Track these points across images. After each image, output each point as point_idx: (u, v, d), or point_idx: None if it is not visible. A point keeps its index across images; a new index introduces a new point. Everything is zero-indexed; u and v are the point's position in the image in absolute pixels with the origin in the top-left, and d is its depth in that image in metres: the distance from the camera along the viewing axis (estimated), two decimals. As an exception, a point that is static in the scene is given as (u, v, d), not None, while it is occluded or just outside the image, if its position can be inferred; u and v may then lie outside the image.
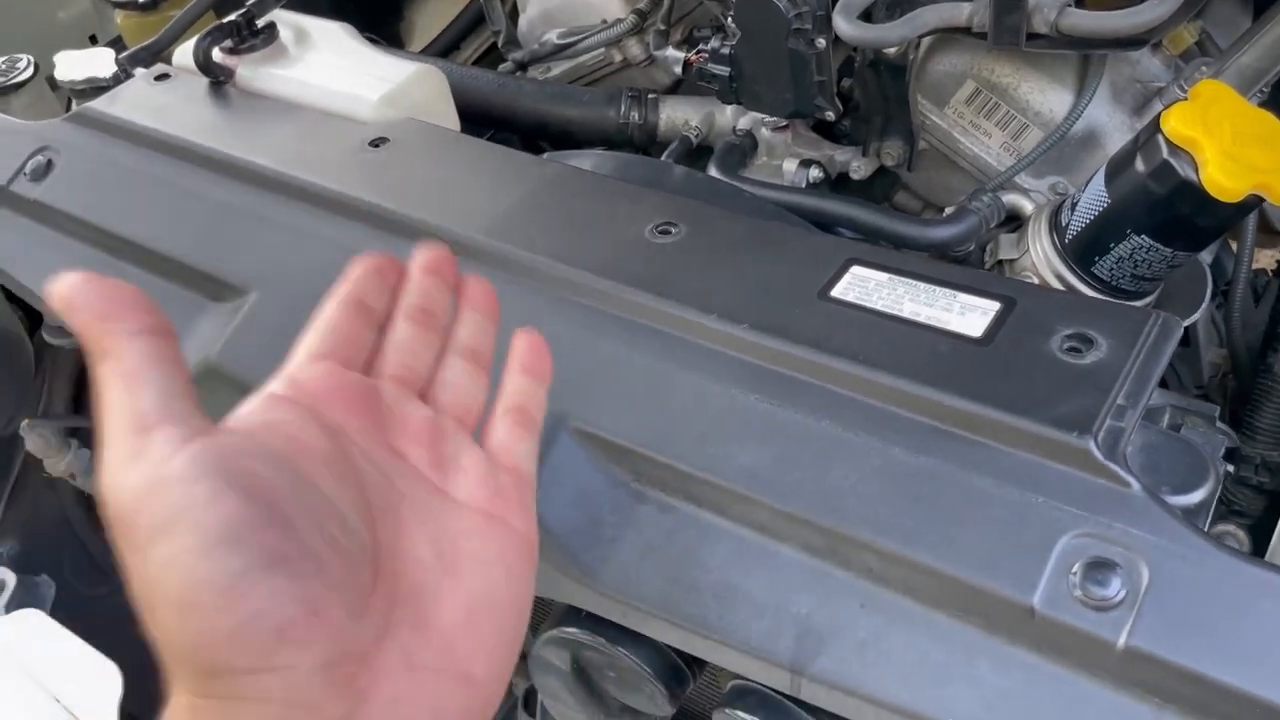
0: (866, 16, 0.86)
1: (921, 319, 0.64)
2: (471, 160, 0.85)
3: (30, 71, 1.11)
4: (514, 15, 1.29)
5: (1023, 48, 0.81)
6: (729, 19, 0.93)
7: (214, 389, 0.81)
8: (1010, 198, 0.94)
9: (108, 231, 0.91)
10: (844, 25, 0.83)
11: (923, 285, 0.66)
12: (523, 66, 1.22)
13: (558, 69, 1.23)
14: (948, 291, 0.65)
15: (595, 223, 0.77)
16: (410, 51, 1.40)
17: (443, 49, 1.46)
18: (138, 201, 0.92)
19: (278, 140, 0.91)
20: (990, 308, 0.64)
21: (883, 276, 0.68)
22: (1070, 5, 0.79)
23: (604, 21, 1.14)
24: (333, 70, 0.97)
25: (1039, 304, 0.64)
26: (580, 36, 1.12)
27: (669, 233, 0.75)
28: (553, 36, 1.15)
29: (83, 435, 1.08)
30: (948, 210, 0.99)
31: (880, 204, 1.16)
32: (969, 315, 0.64)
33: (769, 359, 0.64)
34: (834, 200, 0.94)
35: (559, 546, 0.66)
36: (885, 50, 0.89)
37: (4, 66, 1.12)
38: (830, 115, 0.95)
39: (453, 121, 0.98)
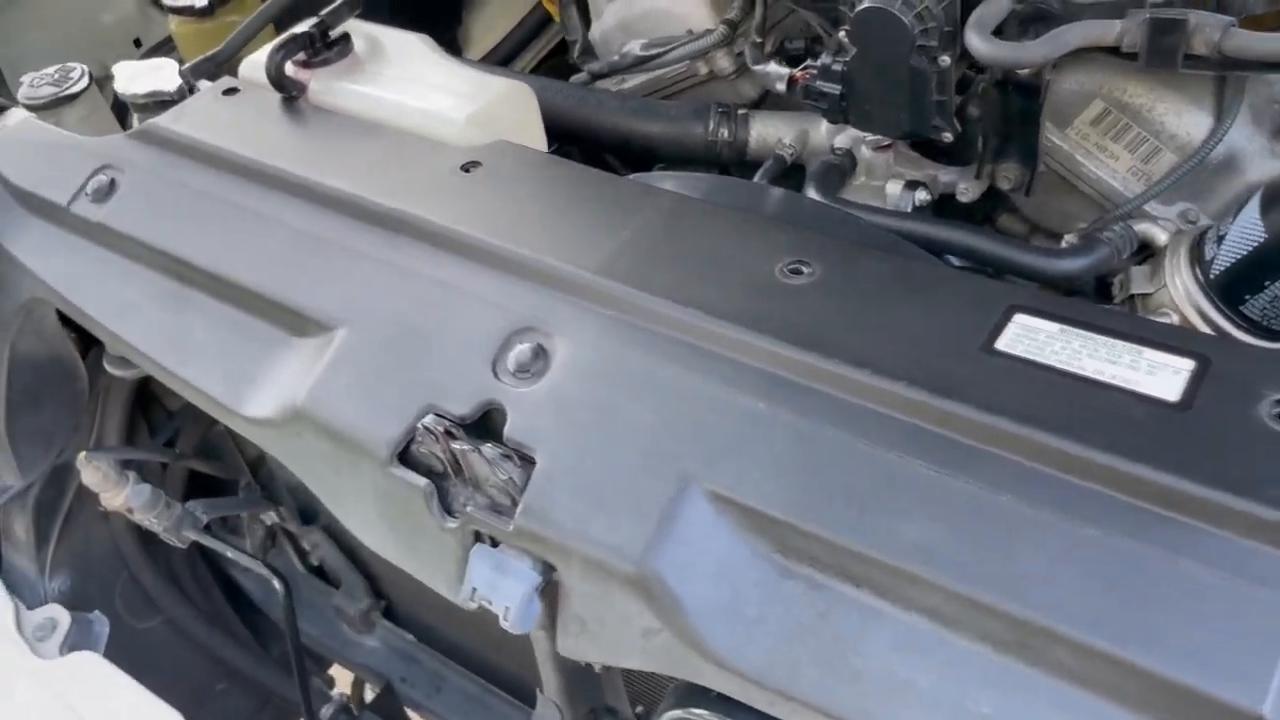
0: (997, 33, 0.80)
1: (1106, 378, 0.58)
2: (573, 187, 0.79)
3: (85, 82, 1.05)
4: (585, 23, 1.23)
5: (1179, 70, 0.75)
6: (842, 33, 0.86)
7: (301, 435, 0.75)
8: (1141, 226, 0.88)
9: (176, 258, 0.86)
10: (979, 43, 0.77)
11: (1101, 339, 0.60)
12: (598, 77, 1.16)
13: (633, 81, 1.17)
14: (1131, 346, 0.59)
15: (717, 260, 0.71)
16: (474, 60, 1.33)
17: (504, 56, 1.40)
18: (209, 226, 0.86)
19: (359, 162, 0.85)
20: (1183, 366, 0.57)
21: (1053, 327, 0.61)
22: (1234, 25, 0.72)
23: (690, 32, 1.08)
24: (412, 86, 0.91)
25: (1239, 362, 0.57)
26: (667, 48, 1.05)
27: (801, 272, 0.68)
28: (635, 47, 1.08)
29: (139, 468, 1.02)
30: (1068, 238, 0.93)
31: (981, 226, 1.10)
32: (1159, 374, 0.57)
33: (934, 420, 0.58)
34: (951, 228, 0.88)
35: (694, 622, 0.60)
36: (1016, 69, 0.83)
37: (57, 76, 1.06)
38: (948, 136, 0.89)
39: (540, 141, 0.92)
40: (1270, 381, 0.56)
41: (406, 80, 0.92)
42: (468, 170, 0.82)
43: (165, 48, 1.51)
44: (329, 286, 0.78)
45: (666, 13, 1.09)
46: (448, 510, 0.68)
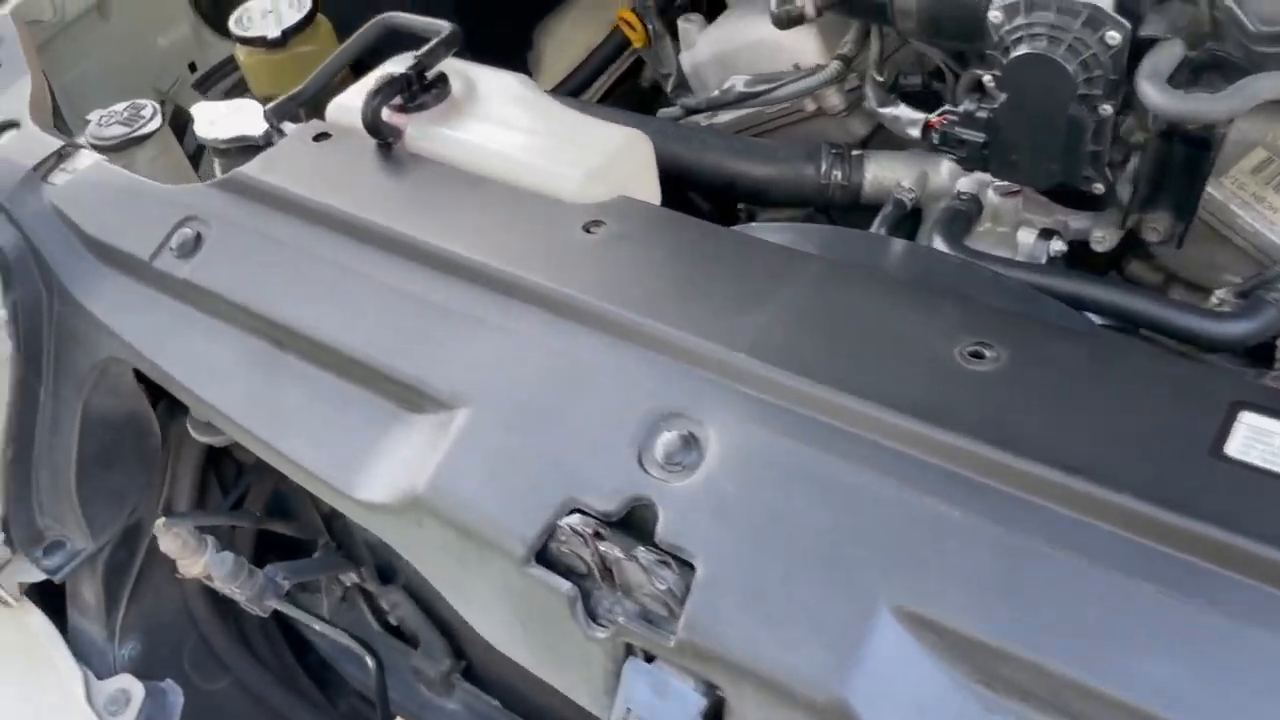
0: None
1: (1364, 495, 0.51)
2: (709, 250, 0.73)
3: (157, 122, 0.99)
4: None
5: (1383, 124, 0.68)
6: (988, 78, 0.80)
7: (422, 524, 0.69)
8: (1309, 285, 0.81)
9: (271, 319, 0.80)
10: (1156, 96, 0.70)
11: (1349, 445, 0.53)
12: (692, 113, 1.10)
13: (726, 116, 1.11)
14: (1385, 455, 0.52)
15: (884, 339, 0.64)
16: (563, 95, 1.27)
17: (580, 82, 1.34)
18: (306, 285, 0.80)
19: (468, 219, 0.79)
20: None
21: (1286, 429, 0.55)
22: None
23: (797, 67, 1.02)
24: (519, 134, 0.85)
25: None
26: (775, 85, 0.99)
27: (983, 356, 0.62)
28: (738, 83, 1.02)
29: (218, 534, 0.96)
30: (1219, 294, 0.86)
31: (1106, 274, 1.03)
32: None
33: (1169, 541, 0.52)
34: (1103, 285, 0.82)
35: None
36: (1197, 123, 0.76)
37: (127, 115, 1.00)
38: (1099, 188, 0.82)
39: (655, 192, 0.85)
40: None
41: (509, 127, 0.86)
42: (590, 231, 0.76)
43: (223, 71, 1.45)
44: (448, 358, 0.72)
45: (773, 46, 1.02)
46: (593, 617, 0.62)
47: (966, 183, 0.94)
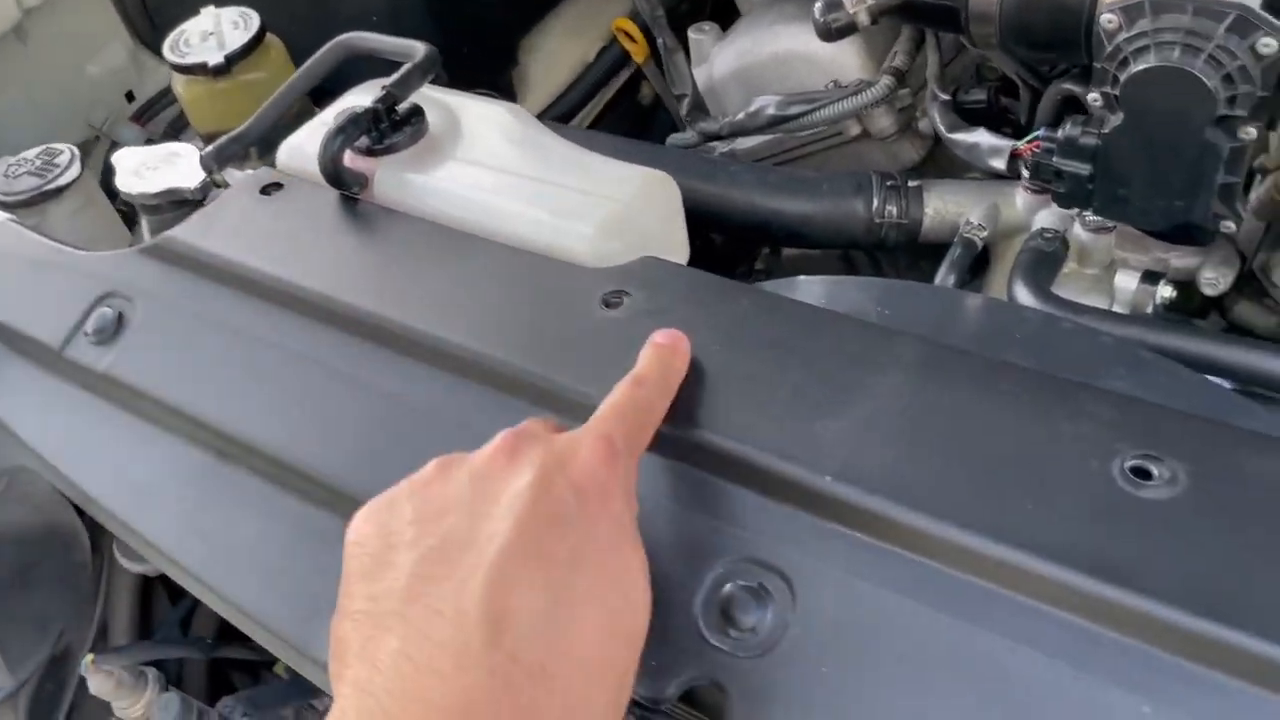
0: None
1: None
2: (771, 332, 0.57)
3: (75, 170, 0.82)
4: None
5: None
6: (1094, 97, 0.64)
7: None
8: None
9: (209, 425, 0.63)
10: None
11: None
12: (711, 139, 0.94)
13: (749, 141, 0.95)
14: None
15: (1020, 455, 0.49)
16: (561, 124, 1.11)
17: (573, 104, 1.18)
18: (253, 380, 0.64)
19: (459, 294, 0.63)
20: None
21: None
22: None
23: (836, 83, 0.86)
24: (513, 179, 0.69)
25: None
26: (815, 105, 0.83)
27: (1151, 475, 0.47)
28: (769, 104, 0.86)
29: (163, 669, 0.80)
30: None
31: (1205, 317, 0.88)
32: None
33: None
34: (1243, 347, 0.67)
35: None
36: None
37: (39, 164, 0.83)
38: (1231, 227, 0.67)
39: (683, 249, 0.70)
40: None
41: (501, 170, 0.70)
42: (610, 306, 0.60)
43: (165, 101, 1.28)
44: (434, 480, 0.56)
45: (806, 59, 0.87)
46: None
47: (1047, 217, 0.79)
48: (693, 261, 1.09)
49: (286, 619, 0.58)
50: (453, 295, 0.63)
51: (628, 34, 1.11)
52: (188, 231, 0.70)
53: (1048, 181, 0.69)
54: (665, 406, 0.51)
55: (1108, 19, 0.61)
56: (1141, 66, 0.60)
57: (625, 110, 1.27)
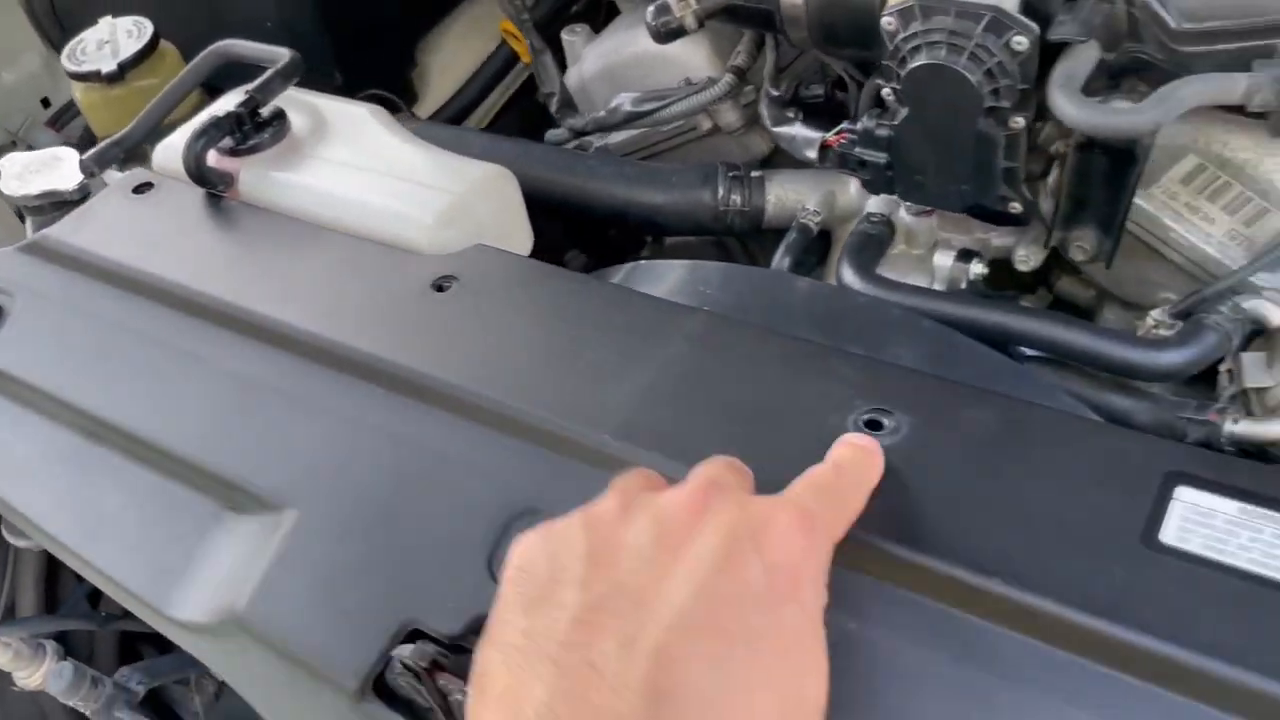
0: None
1: (1324, 589, 0.43)
2: (577, 310, 0.63)
3: (-31, 174, 0.87)
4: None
5: (1322, 132, 0.60)
6: (887, 92, 0.71)
7: (246, 650, 0.59)
8: (1250, 303, 0.74)
9: (80, 409, 0.69)
10: (1070, 108, 0.62)
11: (1304, 523, 0.45)
12: (580, 135, 1.00)
13: (618, 136, 1.01)
14: (1348, 536, 0.44)
15: (770, 412, 0.55)
16: (432, 121, 1.17)
17: (467, 102, 1.24)
18: (121, 368, 0.69)
19: (305, 282, 0.69)
20: None
21: (1230, 506, 0.46)
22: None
23: (688, 81, 0.92)
24: (366, 175, 0.74)
25: None
26: (665, 102, 0.89)
27: (881, 426, 0.53)
28: (625, 101, 0.92)
29: (63, 637, 0.85)
30: (1154, 314, 0.78)
31: (1035, 292, 0.95)
32: (1399, 581, 0.43)
33: (1099, 655, 0.43)
34: (1031, 316, 0.73)
35: None
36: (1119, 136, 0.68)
37: (-65, 168, 0.88)
38: (1017, 208, 0.74)
39: (525, 237, 0.76)
40: None
41: (357, 167, 0.76)
42: (441, 289, 0.66)
43: (70, 113, 1.33)
44: (274, 450, 0.62)
45: (661, 59, 0.93)
46: (441, 762, 0.52)
47: (877, 203, 0.85)
48: (588, 250, 1.15)
49: (146, 583, 0.64)
50: (299, 284, 0.69)
51: (515, 35, 1.16)
52: (63, 230, 0.76)
53: (854, 170, 0.75)
54: (862, 503, 0.46)
55: (887, 21, 0.67)
56: (916, 64, 0.66)
57: (526, 108, 1.32)
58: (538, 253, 0.76)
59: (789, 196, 0.89)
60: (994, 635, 0.45)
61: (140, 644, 1.00)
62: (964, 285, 0.83)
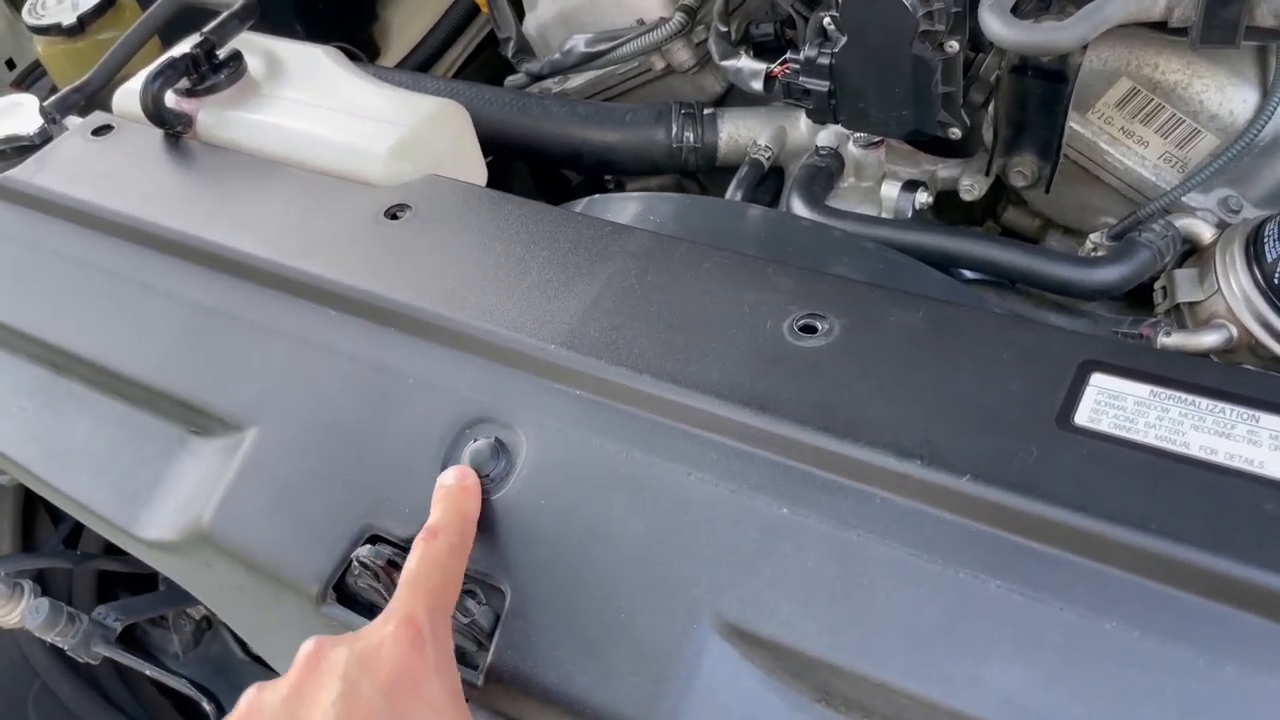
0: (1014, 11, 0.67)
1: (1221, 459, 0.46)
2: (525, 232, 0.65)
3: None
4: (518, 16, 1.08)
5: (1237, 46, 0.63)
6: (827, 20, 0.73)
7: (211, 564, 0.61)
8: (1182, 222, 0.76)
9: (47, 344, 0.70)
10: (999, 27, 0.64)
11: (1205, 403, 0.48)
12: (537, 79, 1.01)
13: (578, 80, 1.03)
14: (1245, 412, 0.47)
15: (709, 318, 0.57)
16: (387, 67, 1.18)
17: (429, 54, 1.24)
18: (84, 302, 0.71)
19: (263, 214, 0.70)
20: (1316, 436, 0.46)
21: (1141, 390, 0.49)
22: (1306, -13, 0.60)
23: (641, 22, 0.94)
24: (321, 112, 0.76)
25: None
26: (617, 42, 0.91)
27: (815, 329, 0.56)
28: (579, 43, 0.94)
29: (42, 579, 0.87)
30: (1093, 238, 0.81)
31: (983, 224, 0.98)
32: (1289, 450, 0.45)
33: (1011, 527, 0.46)
34: (967, 238, 0.76)
35: (721, 792, 0.47)
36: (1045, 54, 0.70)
37: (-103, 119, 0.89)
38: (957, 133, 0.76)
39: (478, 169, 0.77)
40: None
41: (313, 105, 0.77)
42: (395, 217, 0.67)
43: (43, 68, 1.33)
44: (234, 374, 0.64)
45: (614, 2, 0.94)
46: (400, 657, 0.55)
47: (826, 137, 0.87)
48: (547, 194, 1.17)
49: (115, 507, 0.66)
50: (256, 216, 0.70)
51: (474, -14, 1.17)
52: (25, 171, 0.77)
53: (799, 99, 0.77)
54: (467, 549, 0.51)
55: (826, -52, 0.69)
56: (851, -11, 0.68)
57: (490, 58, 1.33)
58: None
59: (741, 133, 0.91)
60: (918, 515, 0.48)
61: (118, 586, 1.03)
62: (910, 214, 0.85)
